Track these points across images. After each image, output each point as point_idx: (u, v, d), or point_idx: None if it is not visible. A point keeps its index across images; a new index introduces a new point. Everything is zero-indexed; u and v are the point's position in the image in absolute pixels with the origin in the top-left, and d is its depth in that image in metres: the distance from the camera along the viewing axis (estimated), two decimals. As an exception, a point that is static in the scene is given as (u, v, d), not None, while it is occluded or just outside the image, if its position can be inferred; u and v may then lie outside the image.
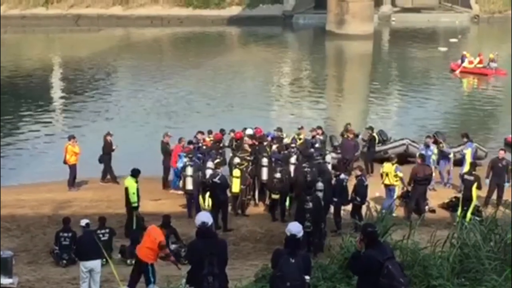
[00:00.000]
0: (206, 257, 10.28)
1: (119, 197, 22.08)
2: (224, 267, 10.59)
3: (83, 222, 17.64)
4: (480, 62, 45.81)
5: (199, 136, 26.28)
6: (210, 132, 26.93)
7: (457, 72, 46.17)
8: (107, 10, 66.95)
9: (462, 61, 46.09)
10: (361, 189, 21.15)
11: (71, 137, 26.22)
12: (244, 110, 37.43)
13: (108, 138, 26.26)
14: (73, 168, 25.65)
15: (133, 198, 21.03)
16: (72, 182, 25.75)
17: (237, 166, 23.02)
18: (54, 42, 60.90)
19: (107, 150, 26.17)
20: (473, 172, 22.40)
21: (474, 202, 21.71)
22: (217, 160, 23.48)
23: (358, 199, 20.86)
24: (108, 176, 26.44)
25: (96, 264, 16.18)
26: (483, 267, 12.23)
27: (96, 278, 16.14)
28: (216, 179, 21.88)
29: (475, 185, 21.82)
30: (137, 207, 21.18)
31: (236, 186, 22.65)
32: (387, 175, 22.83)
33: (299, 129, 28.11)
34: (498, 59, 46.16)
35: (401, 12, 71.16)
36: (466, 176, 22.35)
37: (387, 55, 58.78)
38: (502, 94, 42.03)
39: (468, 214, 20.57)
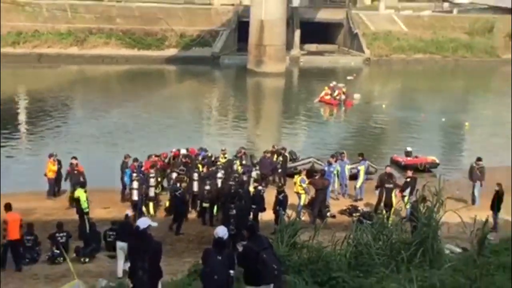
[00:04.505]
0: (138, 255, 10.10)
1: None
2: (156, 264, 10.23)
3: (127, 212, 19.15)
4: (338, 94, 46.82)
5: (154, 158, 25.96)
6: (149, 156, 26.37)
7: (316, 101, 47.50)
8: (66, 50, 65.81)
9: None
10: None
11: (51, 155, 25.64)
12: (179, 134, 37.22)
13: (74, 161, 24.95)
14: (50, 181, 25.30)
15: (84, 204, 20.84)
16: (52, 192, 25.42)
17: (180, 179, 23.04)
18: (20, 76, 59.47)
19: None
20: (391, 180, 22.80)
21: (394, 206, 21.96)
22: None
23: (282, 210, 20.41)
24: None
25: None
26: (373, 262, 12.40)
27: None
28: (177, 193, 21.96)
29: (393, 191, 22.31)
30: (87, 212, 20.97)
31: None
32: (295, 184, 23.30)
33: (222, 150, 28.10)
34: (347, 92, 47.44)
35: (308, 55, 72.00)
36: (386, 185, 22.70)
37: (296, 90, 59.28)
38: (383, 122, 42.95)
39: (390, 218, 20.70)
